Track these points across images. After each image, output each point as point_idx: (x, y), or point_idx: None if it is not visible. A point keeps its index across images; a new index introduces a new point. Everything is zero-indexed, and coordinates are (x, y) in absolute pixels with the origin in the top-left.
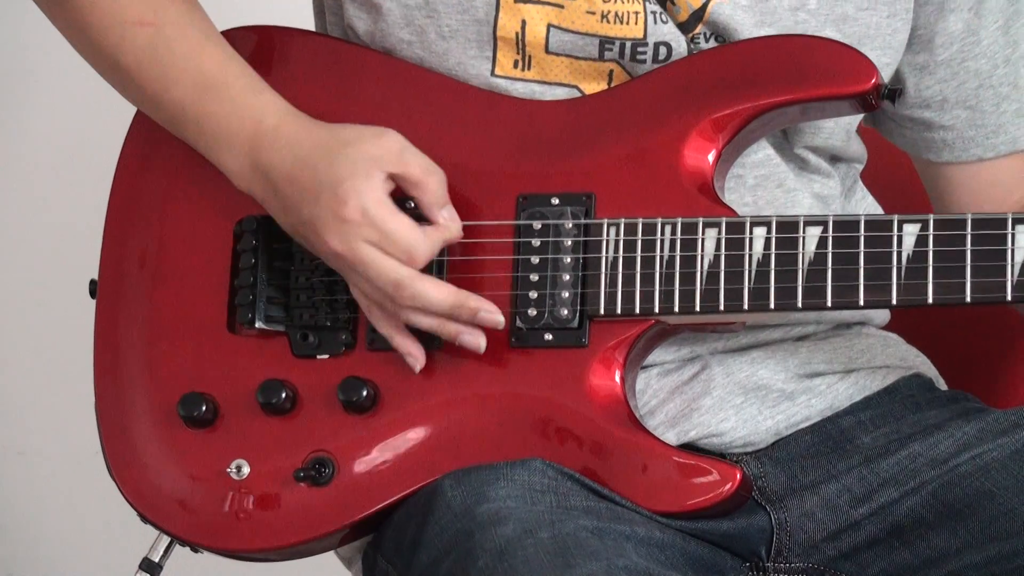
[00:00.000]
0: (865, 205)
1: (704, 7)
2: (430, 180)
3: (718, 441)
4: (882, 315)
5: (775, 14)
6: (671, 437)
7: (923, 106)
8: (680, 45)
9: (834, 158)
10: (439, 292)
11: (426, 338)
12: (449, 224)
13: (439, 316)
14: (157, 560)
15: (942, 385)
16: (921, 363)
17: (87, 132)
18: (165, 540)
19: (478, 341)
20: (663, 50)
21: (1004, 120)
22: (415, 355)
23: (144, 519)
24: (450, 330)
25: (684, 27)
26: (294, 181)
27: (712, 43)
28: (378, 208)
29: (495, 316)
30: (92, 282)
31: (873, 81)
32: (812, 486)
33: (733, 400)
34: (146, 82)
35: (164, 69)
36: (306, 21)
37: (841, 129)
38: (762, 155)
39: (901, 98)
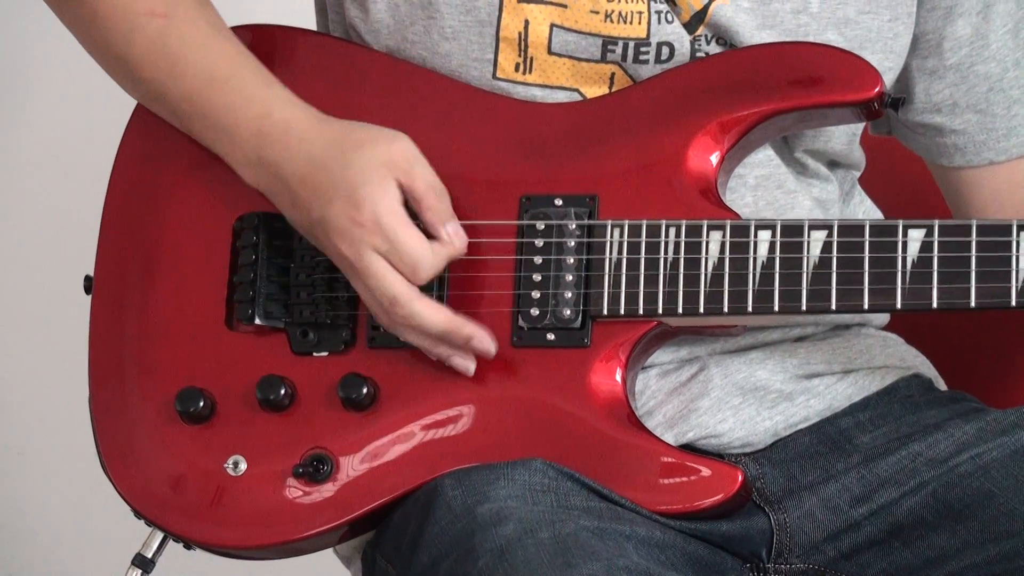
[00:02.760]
0: (864, 209)
1: (706, 9)
2: (431, 196)
3: (716, 442)
4: (882, 316)
5: (776, 17)
6: (669, 438)
7: (934, 111)
8: (683, 45)
9: (832, 163)
10: (434, 316)
11: None
12: (453, 240)
13: (431, 338)
14: (150, 556)
15: (942, 385)
16: (920, 363)
17: (84, 128)
18: (159, 536)
19: (468, 365)
20: (665, 50)
21: (1016, 123)
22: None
23: (138, 515)
24: (440, 352)
25: (686, 28)
26: (306, 181)
27: (714, 45)
28: (391, 218)
29: (487, 346)
30: (87, 278)
31: (877, 89)
32: (811, 487)
33: (731, 401)
34: (154, 74)
35: (173, 61)
36: (308, 20)
37: (843, 133)
38: (763, 156)
39: (904, 107)
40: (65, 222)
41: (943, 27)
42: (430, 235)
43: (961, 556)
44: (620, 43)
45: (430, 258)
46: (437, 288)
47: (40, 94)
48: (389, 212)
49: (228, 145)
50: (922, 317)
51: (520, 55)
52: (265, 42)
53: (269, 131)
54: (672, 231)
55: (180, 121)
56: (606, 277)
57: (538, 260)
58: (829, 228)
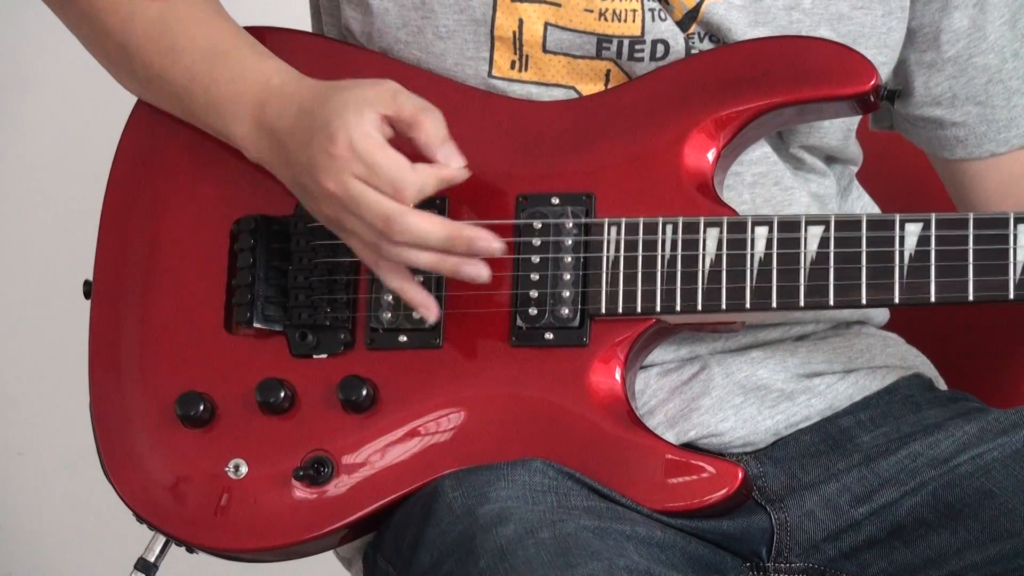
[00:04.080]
0: (862, 204)
1: (698, 7)
2: (424, 118)
3: (717, 441)
4: (882, 314)
5: (769, 13)
6: (670, 437)
7: (934, 104)
8: (678, 43)
9: (829, 158)
10: (431, 224)
11: (427, 334)
12: (448, 160)
13: (435, 251)
14: (153, 560)
15: (942, 385)
16: (921, 363)
17: (83, 132)
18: (161, 540)
19: (479, 271)
20: (660, 48)
21: (1016, 114)
22: (428, 305)
23: (140, 519)
24: (449, 264)
25: (679, 26)
26: (294, 132)
27: (707, 42)
28: (364, 141)
29: (492, 244)
30: (86, 283)
31: (872, 82)
32: (812, 486)
33: (732, 400)
34: (155, 55)
35: (175, 39)
36: (303, 22)
37: (838, 128)
38: (760, 153)
39: (900, 99)
40: (66, 222)
41: (940, 20)
42: (427, 158)
43: (962, 556)
44: (615, 41)
45: (411, 175)
46: (436, 288)
47: (39, 98)
48: (362, 136)
49: (229, 118)
50: (922, 316)
51: (515, 53)
52: (261, 43)
53: (266, 97)
54: (669, 228)
55: (180, 102)
56: (604, 275)
57: (536, 259)
58: (826, 223)
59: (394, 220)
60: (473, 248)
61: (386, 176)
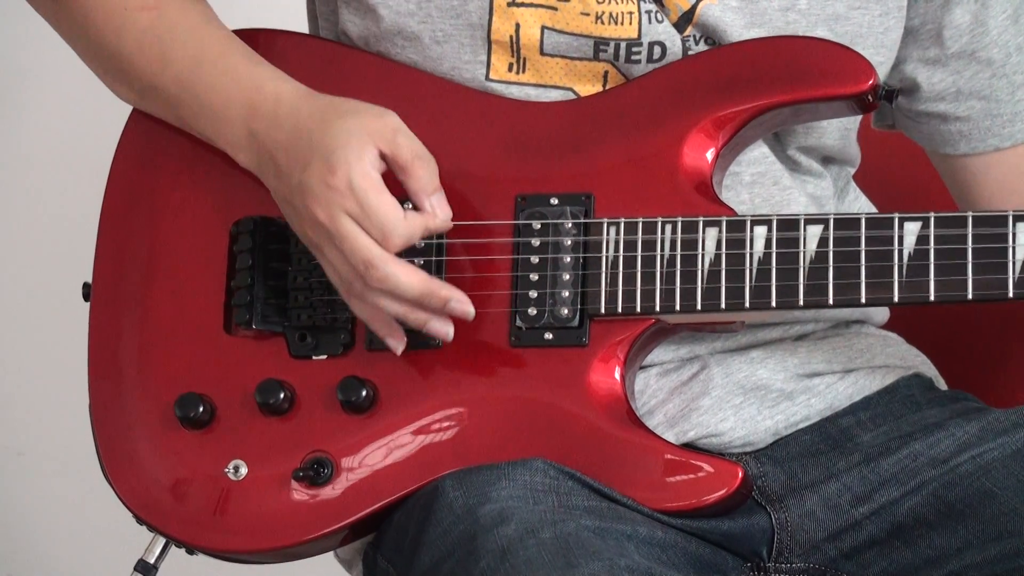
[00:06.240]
0: (859, 206)
1: (693, 8)
2: (416, 165)
3: (717, 441)
4: (881, 314)
5: (765, 15)
6: (670, 437)
7: (938, 99)
8: (675, 44)
9: (826, 159)
10: (409, 277)
11: (422, 336)
12: (435, 211)
13: (407, 303)
14: (152, 562)
15: (942, 385)
16: (921, 363)
17: (82, 134)
18: (161, 541)
19: (446, 329)
20: (657, 50)
21: (1020, 108)
22: (395, 336)
23: (140, 520)
24: (419, 317)
25: (675, 28)
26: (288, 148)
27: (703, 44)
28: (363, 181)
29: (465, 307)
30: (85, 285)
31: (871, 82)
32: (812, 485)
33: (732, 400)
34: (146, 63)
35: (164, 48)
36: (300, 26)
37: (836, 129)
38: (758, 153)
39: (904, 96)
40: (66, 223)
41: (941, 16)
42: (415, 206)
43: (962, 555)
44: (612, 44)
45: (402, 225)
46: None
47: (38, 100)
48: (361, 175)
49: (220, 124)
50: (922, 316)
51: (513, 56)
52: (259, 45)
53: (259, 104)
54: (668, 228)
55: (172, 110)
56: (603, 275)
57: (535, 260)
58: (825, 222)
59: (375, 266)
60: (447, 310)
61: (377, 220)
